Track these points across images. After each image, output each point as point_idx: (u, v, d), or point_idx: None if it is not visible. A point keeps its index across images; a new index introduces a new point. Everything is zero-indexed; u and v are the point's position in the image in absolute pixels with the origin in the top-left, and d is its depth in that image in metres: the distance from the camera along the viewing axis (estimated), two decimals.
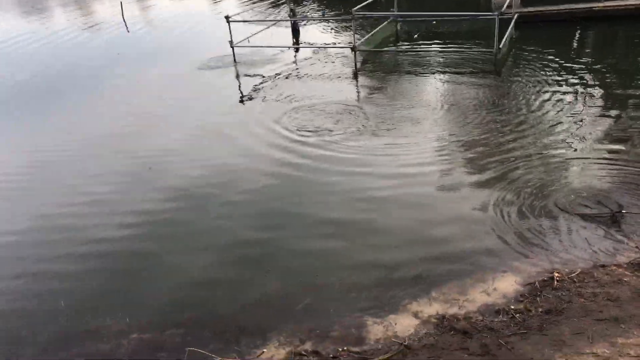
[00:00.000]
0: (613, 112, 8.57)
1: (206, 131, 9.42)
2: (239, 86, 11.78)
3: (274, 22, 15.91)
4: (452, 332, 4.48)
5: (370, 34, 12.75)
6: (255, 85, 11.41)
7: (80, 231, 6.69)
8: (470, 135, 8.21)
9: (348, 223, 6.32)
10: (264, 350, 4.55)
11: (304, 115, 9.45)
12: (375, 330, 4.66)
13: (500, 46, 10.91)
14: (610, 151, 7.32)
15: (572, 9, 13.86)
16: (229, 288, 5.46)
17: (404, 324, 4.68)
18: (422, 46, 13.15)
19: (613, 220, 5.71)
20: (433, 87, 10.50)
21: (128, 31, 19.00)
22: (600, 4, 13.76)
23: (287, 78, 11.74)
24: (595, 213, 5.89)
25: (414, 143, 8.07)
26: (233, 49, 13.01)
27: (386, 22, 13.82)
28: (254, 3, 21.56)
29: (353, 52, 11.87)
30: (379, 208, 6.55)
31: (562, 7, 13.94)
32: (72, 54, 16.37)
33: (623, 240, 5.45)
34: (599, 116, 8.48)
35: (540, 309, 4.55)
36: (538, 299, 4.71)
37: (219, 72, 12.61)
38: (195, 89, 11.75)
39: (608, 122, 8.26)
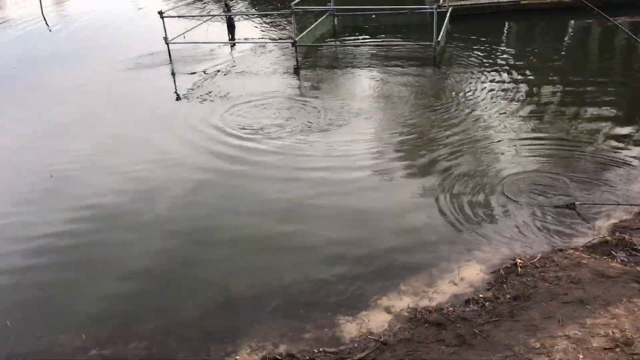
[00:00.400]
0: (541, 98, 8.96)
1: (130, 138, 8.83)
2: (175, 85, 11.32)
3: (210, 17, 15.49)
4: (426, 324, 4.49)
5: (309, 29, 12.66)
6: (193, 84, 11.02)
7: None
8: (415, 127, 8.31)
9: (306, 220, 6.23)
10: (237, 357, 4.39)
11: (246, 113, 9.23)
12: (349, 328, 4.60)
13: (439, 39, 11.12)
14: (544, 137, 7.63)
15: (500, 2, 14.38)
16: (188, 293, 5.23)
17: (377, 320, 4.65)
18: (361, 40, 13.22)
19: (568, 208, 5.92)
20: (375, 80, 10.56)
21: (50, 29, 17.89)
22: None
23: (225, 75, 11.46)
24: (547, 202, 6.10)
25: (363, 138, 8.06)
26: (168, 46, 12.54)
27: (324, 16, 13.78)
28: None
29: (294, 47, 11.74)
30: (335, 204, 6.49)
31: (492, 0, 14.44)
32: None
33: (576, 224, 5.67)
34: (529, 103, 8.84)
35: (508, 296, 4.65)
36: (505, 285, 4.82)
37: (152, 71, 12.06)
38: (125, 90, 11.12)
39: (538, 107, 8.62)
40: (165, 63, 12.45)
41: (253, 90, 10.32)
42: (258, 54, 12.79)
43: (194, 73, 11.66)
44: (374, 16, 14.11)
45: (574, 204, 5.92)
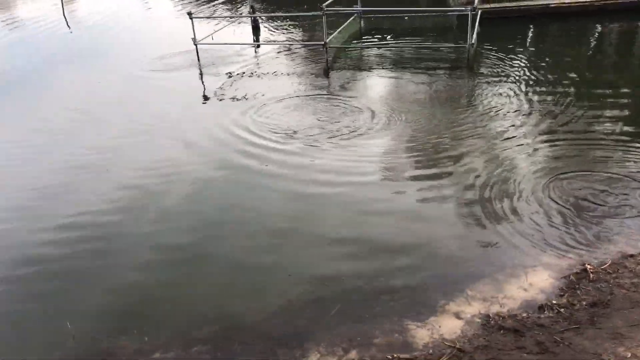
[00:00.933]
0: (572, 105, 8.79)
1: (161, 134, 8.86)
2: (204, 86, 11.22)
3: (237, 17, 15.43)
4: (502, 331, 4.35)
5: (337, 30, 12.56)
6: (223, 84, 10.95)
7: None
8: (456, 131, 8.17)
9: (362, 226, 6.10)
10: None
11: (278, 114, 9.14)
12: (420, 334, 4.46)
13: (473, 41, 11.00)
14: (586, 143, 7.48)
15: (529, 5, 14.25)
16: (247, 297, 5.11)
17: (448, 326, 4.51)
18: (391, 41, 13.09)
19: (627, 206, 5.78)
20: (412, 82, 10.44)
21: (70, 30, 17.89)
22: (555, 2, 14.22)
23: (257, 76, 11.36)
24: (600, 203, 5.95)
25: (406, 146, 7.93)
26: (197, 47, 12.46)
27: (351, 18, 13.68)
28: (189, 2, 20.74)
29: (324, 49, 11.63)
30: (388, 209, 6.36)
31: (521, 3, 14.31)
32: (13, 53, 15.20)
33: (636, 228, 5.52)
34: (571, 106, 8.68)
35: (584, 302, 4.50)
36: (578, 292, 4.67)
37: (181, 72, 11.97)
38: (153, 90, 11.06)
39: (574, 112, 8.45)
40: (194, 64, 12.36)
41: (284, 91, 10.24)
42: (287, 55, 12.69)
43: (227, 74, 11.55)
44: (406, 18, 14.00)
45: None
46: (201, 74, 11.88)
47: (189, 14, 12.37)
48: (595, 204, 6.00)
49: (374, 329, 4.57)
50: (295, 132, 8.38)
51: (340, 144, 7.94)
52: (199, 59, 12.44)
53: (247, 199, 6.74)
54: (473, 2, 13.07)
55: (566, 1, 14.17)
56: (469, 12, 10.75)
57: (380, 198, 6.57)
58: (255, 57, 12.88)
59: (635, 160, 6.86)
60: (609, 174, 6.56)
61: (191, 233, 6.14)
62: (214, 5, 17.00)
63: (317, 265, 5.47)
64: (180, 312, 5.01)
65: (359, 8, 13.77)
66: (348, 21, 13.38)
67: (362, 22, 14.25)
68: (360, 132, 8.29)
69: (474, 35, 11.22)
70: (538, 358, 3.95)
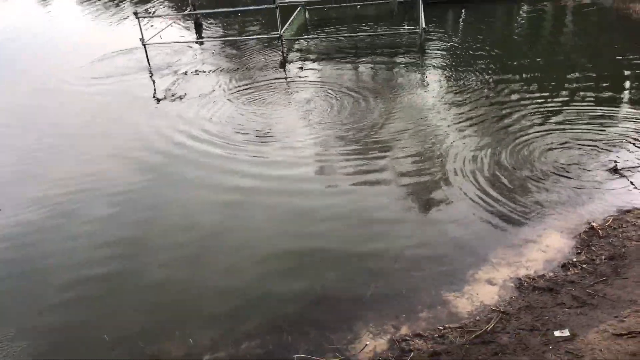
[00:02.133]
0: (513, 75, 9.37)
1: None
2: (155, 86, 10.90)
3: (181, 15, 15.01)
4: (537, 291, 4.65)
5: (288, 23, 12.55)
6: (172, 83, 10.76)
7: None
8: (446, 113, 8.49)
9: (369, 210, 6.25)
10: (366, 343, 4.35)
11: (241, 111, 9.16)
12: (461, 303, 4.68)
13: (424, 26, 11.37)
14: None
15: None
16: (283, 290, 5.12)
17: (485, 292, 4.76)
18: (341, 30, 13.26)
19: (610, 170, 6.27)
20: (371, 70, 10.67)
21: None
22: None
23: (204, 73, 11.20)
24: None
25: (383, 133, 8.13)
26: (145, 47, 12.05)
27: (297, 10, 13.70)
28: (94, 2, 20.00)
29: (280, 41, 11.62)
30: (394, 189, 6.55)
31: None
32: None
33: (627, 185, 6.01)
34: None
35: (603, 257, 4.88)
36: (593, 248, 5.06)
37: (127, 77, 11.52)
38: (103, 93, 10.69)
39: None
40: (142, 64, 11.97)
41: (240, 84, 10.24)
42: (244, 50, 12.56)
43: (174, 72, 11.33)
44: (358, 7, 14.19)
45: (616, 168, 6.28)
46: (151, 74, 11.53)
47: (135, 13, 11.94)
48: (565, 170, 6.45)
49: (415, 304, 4.76)
50: (260, 132, 8.36)
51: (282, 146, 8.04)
52: (148, 60, 12.04)
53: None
54: None
55: None
56: None
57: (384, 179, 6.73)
58: (198, 54, 12.63)
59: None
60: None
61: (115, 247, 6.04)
62: (150, 5, 16.51)
63: (339, 254, 5.56)
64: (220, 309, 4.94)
65: (302, 0, 13.80)
66: (294, 13, 13.39)
67: (307, 13, 14.31)
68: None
69: (423, 20, 11.56)
70: (580, 311, 4.26)
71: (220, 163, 7.51)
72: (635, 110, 7.75)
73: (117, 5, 19.03)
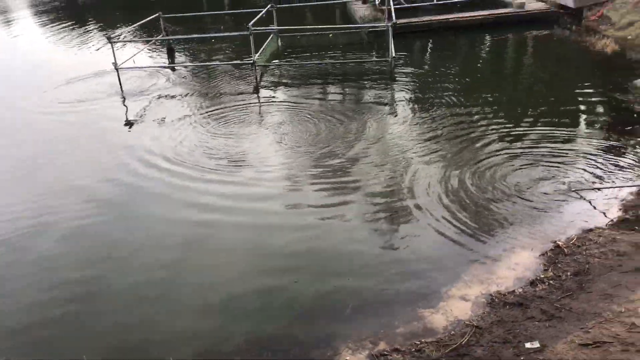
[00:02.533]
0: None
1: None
2: (127, 110, 10.99)
3: (154, 40, 15.09)
4: (507, 306, 4.87)
5: (261, 50, 12.81)
6: (144, 108, 10.86)
7: None
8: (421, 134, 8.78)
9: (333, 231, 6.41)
10: (346, 358, 4.47)
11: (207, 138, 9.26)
12: (436, 319, 4.86)
13: (394, 54, 11.77)
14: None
15: (431, 20, 15.47)
16: (260, 309, 5.21)
17: (458, 308, 4.95)
18: (313, 58, 13.57)
19: (569, 191, 6.62)
20: (341, 96, 10.96)
21: None
22: (453, 16, 15.57)
23: (183, 97, 11.32)
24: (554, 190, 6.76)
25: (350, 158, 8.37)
26: (118, 72, 12.11)
27: (270, 37, 13.99)
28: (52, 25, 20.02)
29: (253, 67, 11.84)
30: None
31: (424, 18, 15.50)
32: None
33: (588, 206, 6.35)
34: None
35: (568, 273, 5.15)
36: (559, 265, 5.32)
37: (91, 103, 11.51)
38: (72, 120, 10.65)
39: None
40: (114, 88, 12.01)
41: (213, 109, 10.40)
42: (216, 75, 12.73)
43: (147, 96, 11.42)
44: (330, 35, 14.56)
45: (573, 188, 6.64)
46: (123, 98, 11.58)
47: (109, 38, 12.02)
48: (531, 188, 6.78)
49: (392, 320, 4.93)
50: (231, 157, 8.42)
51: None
52: (120, 84, 12.08)
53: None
54: (380, 19, 14.02)
55: (459, 16, 15.55)
56: (389, 27, 11.50)
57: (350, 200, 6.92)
58: (171, 79, 12.74)
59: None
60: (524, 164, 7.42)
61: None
62: (124, 29, 16.59)
63: (319, 270, 5.70)
64: (203, 327, 4.99)
65: (275, 27, 14.12)
66: (267, 40, 13.67)
67: (279, 40, 14.61)
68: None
69: (392, 48, 11.96)
70: (548, 324, 4.48)
71: (186, 194, 7.38)
72: (590, 134, 8.18)
73: (83, 28, 19.05)
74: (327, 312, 5.10)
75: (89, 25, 19.79)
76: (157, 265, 6.02)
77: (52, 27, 19.99)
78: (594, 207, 6.32)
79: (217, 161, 8.27)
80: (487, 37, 14.72)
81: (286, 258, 5.96)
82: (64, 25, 20.12)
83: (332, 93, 11.21)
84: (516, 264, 5.50)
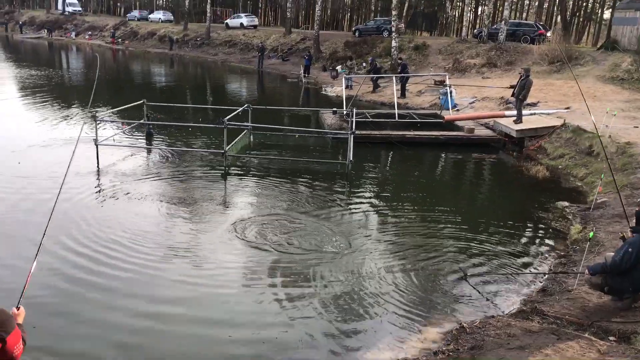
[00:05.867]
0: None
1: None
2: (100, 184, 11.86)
3: (138, 123, 16.29)
4: None
5: (233, 142, 14.07)
6: (114, 186, 11.73)
7: None
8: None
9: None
10: None
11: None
12: None
13: (352, 159, 13.11)
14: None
15: (390, 134, 17.15)
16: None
17: None
18: (282, 155, 14.88)
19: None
20: (300, 191, 12.07)
21: None
22: (410, 133, 17.31)
23: (154, 180, 12.29)
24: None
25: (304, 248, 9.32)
26: (97, 147, 13.12)
27: (243, 133, 15.35)
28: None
29: (224, 157, 13.00)
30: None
31: (383, 132, 17.20)
32: None
33: (486, 296, 7.36)
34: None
35: (466, 347, 6.00)
36: (460, 340, 6.18)
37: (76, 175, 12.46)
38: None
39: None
40: (92, 164, 12.93)
41: (178, 195, 11.33)
42: (183, 160, 13.82)
43: (119, 175, 12.36)
44: (297, 136, 16.01)
45: (466, 274, 7.76)
46: (98, 171, 12.48)
47: (94, 117, 13.16)
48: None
49: None
50: (187, 250, 8.54)
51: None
52: (98, 160, 12.98)
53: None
54: (345, 129, 15.56)
55: (414, 134, 17.31)
56: (349, 135, 12.94)
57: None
58: (146, 160, 13.80)
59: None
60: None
61: None
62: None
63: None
64: None
65: (249, 124, 15.53)
66: (240, 135, 15.01)
67: (252, 136, 15.99)
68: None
69: (351, 154, 13.32)
70: None
71: (135, 289, 7.32)
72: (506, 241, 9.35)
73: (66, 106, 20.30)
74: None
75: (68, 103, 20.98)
76: None
77: (36, 103, 21.12)
78: (488, 299, 7.33)
79: (173, 252, 8.42)
80: (438, 155, 16.38)
81: None
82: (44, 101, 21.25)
83: (292, 185, 12.28)
84: (425, 338, 6.36)
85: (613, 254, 6.41)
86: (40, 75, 31.05)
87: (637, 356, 5.25)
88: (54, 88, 26.80)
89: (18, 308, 3.36)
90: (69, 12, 69.47)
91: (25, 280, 3.67)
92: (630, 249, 6.05)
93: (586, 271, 6.55)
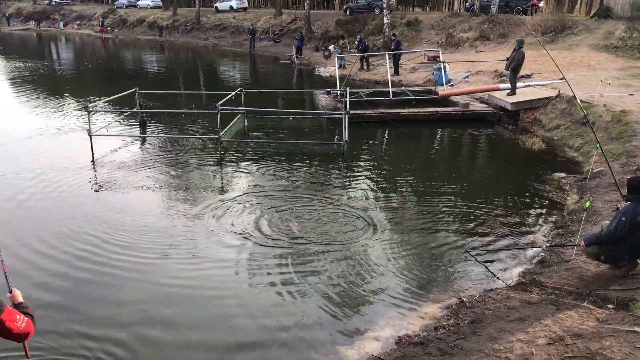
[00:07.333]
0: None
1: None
2: (92, 179, 11.80)
3: (129, 112, 16.19)
4: (411, 345, 5.70)
5: (227, 127, 14.00)
6: (110, 176, 11.70)
7: None
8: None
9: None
10: None
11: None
12: (351, 353, 5.65)
13: (347, 139, 13.06)
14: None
15: (385, 113, 17.07)
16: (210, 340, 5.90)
17: (371, 346, 5.77)
18: (277, 138, 14.82)
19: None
20: (296, 173, 12.05)
21: None
22: (405, 111, 17.23)
23: (150, 168, 12.25)
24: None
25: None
26: (91, 138, 13.03)
27: (237, 117, 15.27)
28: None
29: (219, 142, 12.95)
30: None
31: (377, 111, 17.12)
32: None
33: (486, 269, 7.39)
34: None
35: (466, 321, 6.04)
36: (460, 315, 6.22)
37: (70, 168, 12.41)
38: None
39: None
40: (87, 155, 12.88)
41: (175, 182, 11.29)
42: (181, 148, 13.76)
43: (114, 165, 12.31)
44: (291, 118, 15.93)
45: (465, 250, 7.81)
46: (93, 165, 12.43)
47: (86, 107, 13.06)
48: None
49: (312, 354, 5.65)
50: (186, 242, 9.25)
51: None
52: (92, 151, 12.91)
53: None
54: (339, 109, 15.48)
55: (409, 111, 17.24)
56: (344, 115, 12.88)
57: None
58: (140, 149, 13.74)
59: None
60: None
61: None
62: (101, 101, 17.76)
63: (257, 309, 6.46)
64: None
65: (243, 108, 15.44)
66: (234, 120, 14.93)
67: (245, 120, 15.91)
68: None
69: (346, 133, 13.28)
70: (441, 358, 5.32)
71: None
72: (505, 213, 9.37)
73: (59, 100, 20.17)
74: (256, 348, 5.84)
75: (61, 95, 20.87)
76: None
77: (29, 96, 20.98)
78: (494, 275, 7.35)
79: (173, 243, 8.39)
80: (434, 131, 16.33)
81: None
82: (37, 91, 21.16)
83: (288, 167, 12.27)
84: (425, 313, 6.39)
85: (609, 222, 6.43)
86: (29, 67, 30.79)
87: (636, 322, 5.29)
88: (43, 79, 26.58)
89: (11, 291, 3.54)
90: (56, 1, 68.67)
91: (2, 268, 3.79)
92: (623, 218, 6.07)
93: (582, 242, 6.57)
